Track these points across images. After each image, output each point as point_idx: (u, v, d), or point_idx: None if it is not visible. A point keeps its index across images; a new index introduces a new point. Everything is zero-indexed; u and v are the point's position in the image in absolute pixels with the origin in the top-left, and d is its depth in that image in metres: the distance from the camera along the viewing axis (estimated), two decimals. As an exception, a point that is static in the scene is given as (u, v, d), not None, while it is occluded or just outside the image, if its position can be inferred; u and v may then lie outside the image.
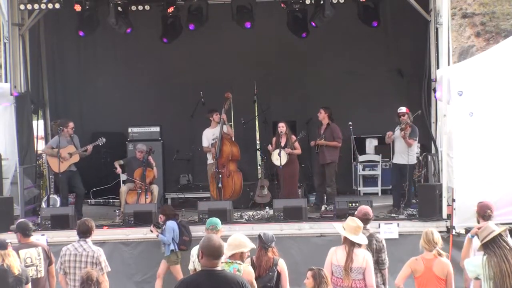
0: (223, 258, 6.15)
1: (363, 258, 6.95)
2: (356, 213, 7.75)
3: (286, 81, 14.78)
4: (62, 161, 11.89)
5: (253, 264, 6.79)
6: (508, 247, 6.01)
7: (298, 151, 12.36)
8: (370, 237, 7.49)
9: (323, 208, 12.03)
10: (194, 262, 7.57)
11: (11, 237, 8.27)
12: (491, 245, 6.02)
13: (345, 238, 7.00)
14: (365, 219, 7.50)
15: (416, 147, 11.92)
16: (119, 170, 12.54)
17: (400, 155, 11.83)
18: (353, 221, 7.04)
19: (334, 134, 12.25)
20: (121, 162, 12.65)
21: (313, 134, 12.90)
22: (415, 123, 12.03)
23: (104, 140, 12.23)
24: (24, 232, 7.82)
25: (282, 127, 12.33)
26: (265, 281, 6.78)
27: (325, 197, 12.42)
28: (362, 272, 6.93)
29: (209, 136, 12.61)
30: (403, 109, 11.82)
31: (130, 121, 14.12)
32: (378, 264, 7.54)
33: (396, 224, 10.68)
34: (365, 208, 7.80)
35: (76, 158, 12.07)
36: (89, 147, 12.13)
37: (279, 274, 6.89)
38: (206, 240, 5.21)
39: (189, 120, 13.63)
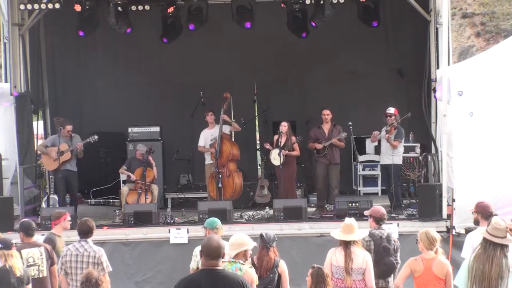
0: (227, 258, 6.17)
1: (363, 259, 6.96)
2: (370, 213, 7.74)
3: (286, 81, 14.78)
4: (55, 160, 11.91)
5: (253, 265, 6.78)
6: (498, 256, 5.96)
7: (296, 152, 12.32)
8: (389, 237, 7.57)
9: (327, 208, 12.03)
10: (198, 262, 7.56)
11: (13, 237, 8.27)
12: (489, 244, 6.01)
13: (340, 240, 7.04)
14: (382, 219, 7.58)
15: (401, 148, 11.92)
16: (132, 175, 12.42)
17: (385, 155, 11.83)
18: (345, 222, 7.08)
19: (342, 133, 12.16)
20: (125, 167, 12.61)
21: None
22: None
23: (96, 137, 12.12)
24: (27, 231, 7.83)
25: (284, 126, 12.29)
26: (265, 283, 6.76)
27: (327, 199, 12.29)
28: (362, 273, 6.93)
29: (207, 136, 12.62)
30: (391, 110, 11.81)
31: (130, 121, 14.12)
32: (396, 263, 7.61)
33: (396, 224, 10.67)
34: (380, 208, 7.81)
35: (67, 156, 12.05)
36: (78, 144, 12.07)
37: (279, 276, 6.88)
38: (206, 240, 5.27)
39: (189, 120, 13.64)
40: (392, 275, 7.53)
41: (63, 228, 8.26)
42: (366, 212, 7.93)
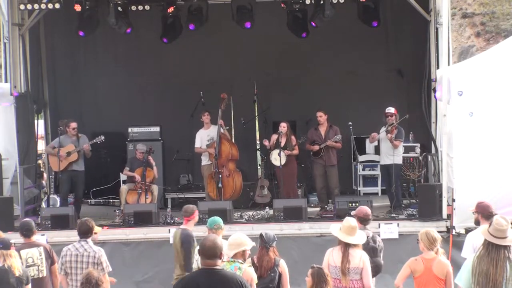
0: (225, 258, 6.18)
1: (360, 258, 6.93)
2: (355, 213, 7.75)
3: (286, 81, 14.77)
4: (61, 160, 11.91)
5: (254, 265, 6.79)
6: (502, 258, 5.93)
7: (296, 151, 12.34)
8: (374, 238, 7.57)
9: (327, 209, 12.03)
10: (198, 261, 7.57)
11: (13, 237, 8.26)
12: (492, 246, 5.97)
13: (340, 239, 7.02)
14: (366, 220, 7.54)
15: (401, 148, 11.92)
16: (137, 176, 12.37)
17: (386, 156, 11.83)
18: (347, 222, 7.04)
19: (337, 136, 12.17)
20: (127, 168, 12.60)
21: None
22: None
23: (102, 138, 12.18)
24: (22, 231, 7.84)
25: (283, 127, 12.29)
26: (266, 282, 6.76)
27: (329, 199, 12.29)
28: (359, 273, 6.91)
29: (203, 136, 12.61)
30: (391, 110, 11.82)
31: (130, 121, 14.12)
32: None
33: (396, 224, 10.68)
34: (365, 208, 7.83)
35: (74, 157, 12.05)
36: (85, 146, 12.09)
37: (280, 275, 6.88)
38: (202, 240, 5.30)
39: (189, 120, 13.62)
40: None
41: (194, 223, 8.43)
42: (352, 213, 7.93)
